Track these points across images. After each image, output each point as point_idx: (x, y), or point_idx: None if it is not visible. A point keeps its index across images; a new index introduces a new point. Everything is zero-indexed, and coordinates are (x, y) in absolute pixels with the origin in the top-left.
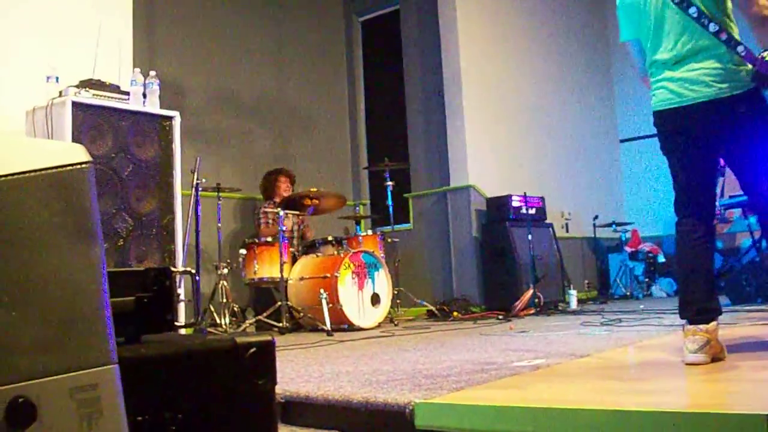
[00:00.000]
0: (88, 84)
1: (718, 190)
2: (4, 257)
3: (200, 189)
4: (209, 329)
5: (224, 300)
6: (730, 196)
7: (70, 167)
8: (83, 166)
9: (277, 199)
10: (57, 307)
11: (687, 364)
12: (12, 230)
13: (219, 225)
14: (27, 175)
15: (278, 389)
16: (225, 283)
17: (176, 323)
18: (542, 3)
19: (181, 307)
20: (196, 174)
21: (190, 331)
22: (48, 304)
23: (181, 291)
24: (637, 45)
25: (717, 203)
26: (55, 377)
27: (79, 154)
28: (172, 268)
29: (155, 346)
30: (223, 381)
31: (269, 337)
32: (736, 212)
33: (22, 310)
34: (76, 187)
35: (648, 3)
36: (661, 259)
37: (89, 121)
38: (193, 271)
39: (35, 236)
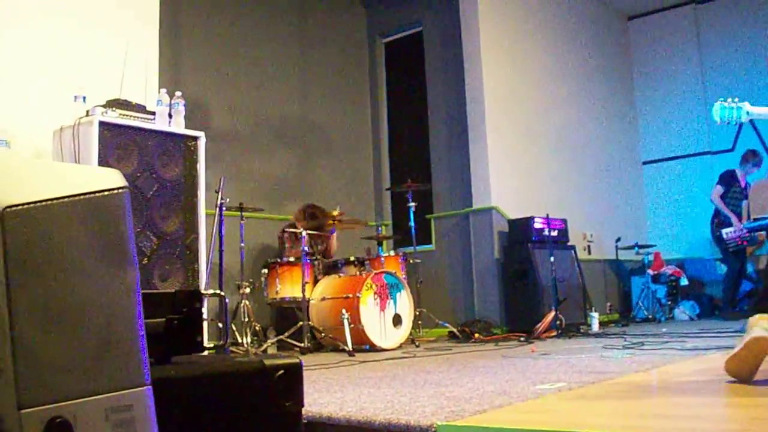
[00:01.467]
0: (114, 104)
1: (744, 213)
2: (45, 280)
3: (224, 209)
4: (231, 348)
5: (246, 319)
6: (755, 219)
7: (108, 192)
8: (120, 191)
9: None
10: (94, 329)
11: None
12: (52, 254)
13: (242, 245)
14: (66, 200)
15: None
16: (247, 303)
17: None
18: (565, 25)
19: (205, 327)
20: (220, 194)
21: (214, 352)
22: (85, 326)
23: (204, 311)
24: None
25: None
26: (91, 398)
27: (115, 179)
28: (202, 291)
29: (185, 367)
30: (252, 402)
31: (297, 360)
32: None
33: (60, 332)
34: (112, 212)
35: None
36: (684, 282)
37: (115, 141)
38: (223, 294)
39: (74, 260)
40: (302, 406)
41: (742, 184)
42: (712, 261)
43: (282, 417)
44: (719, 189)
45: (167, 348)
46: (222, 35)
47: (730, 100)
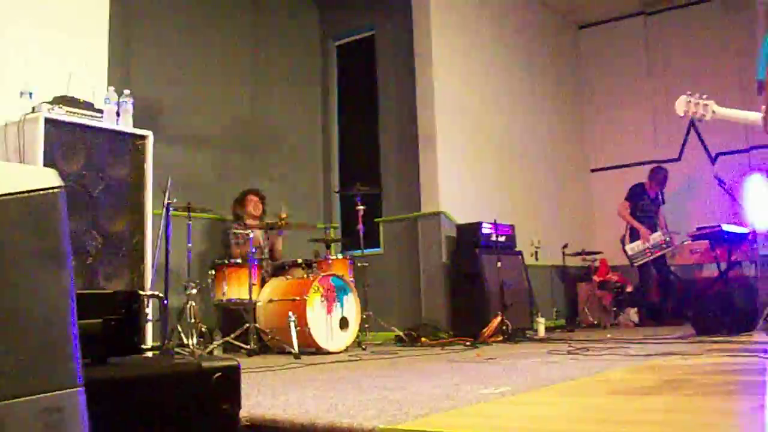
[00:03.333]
0: (62, 101)
1: (660, 222)
2: None
3: (171, 209)
4: (176, 350)
5: (192, 321)
6: (698, 228)
7: (42, 192)
8: (55, 190)
9: (248, 220)
10: (26, 330)
11: None
12: None
13: (189, 245)
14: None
15: (244, 412)
16: (193, 304)
17: (143, 346)
18: (516, 33)
19: (149, 328)
20: (167, 194)
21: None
22: (16, 325)
23: (149, 311)
24: None
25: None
26: (21, 399)
27: (50, 178)
28: (141, 292)
29: (121, 369)
30: (189, 404)
31: (235, 362)
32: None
33: None
34: (47, 212)
35: None
36: (629, 288)
37: (62, 138)
38: (162, 295)
39: (6, 259)
40: (240, 408)
41: (652, 196)
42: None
43: (219, 419)
44: (626, 204)
45: (104, 349)
46: (174, 34)
47: (697, 95)
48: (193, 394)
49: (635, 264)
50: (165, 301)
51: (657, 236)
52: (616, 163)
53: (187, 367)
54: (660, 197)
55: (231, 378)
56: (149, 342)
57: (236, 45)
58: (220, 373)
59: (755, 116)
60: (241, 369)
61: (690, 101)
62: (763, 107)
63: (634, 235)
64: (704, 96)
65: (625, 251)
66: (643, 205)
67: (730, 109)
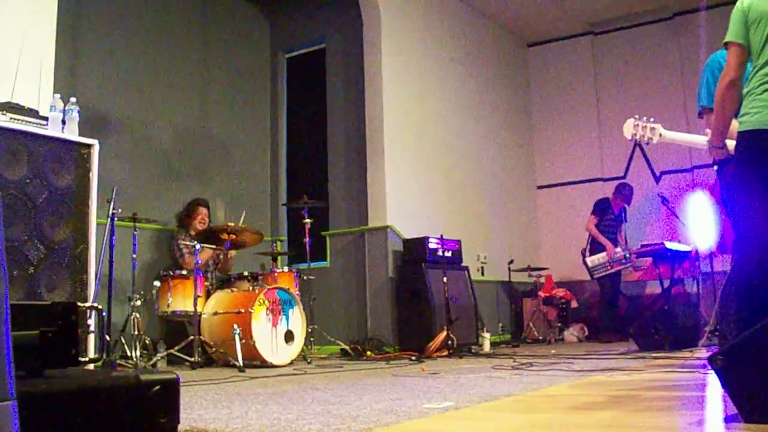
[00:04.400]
0: (5, 107)
1: (622, 236)
2: None
3: (116, 219)
4: (119, 362)
5: (136, 332)
6: (642, 245)
7: None
8: None
9: (193, 231)
10: None
11: None
12: None
13: (134, 256)
14: None
15: (186, 426)
16: (137, 315)
17: (81, 358)
18: (466, 50)
19: (91, 340)
20: (112, 204)
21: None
22: None
23: (91, 323)
24: (742, 50)
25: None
26: None
27: None
28: (79, 303)
29: (57, 381)
30: (126, 418)
31: (174, 375)
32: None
33: None
34: None
35: None
36: (574, 304)
37: (5, 145)
38: (100, 306)
39: None
40: (178, 422)
41: (615, 212)
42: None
43: None
44: (593, 219)
45: (40, 361)
46: (122, 43)
47: (645, 118)
48: (130, 407)
49: (594, 276)
50: (103, 313)
51: (619, 252)
52: (562, 180)
53: (124, 379)
54: (623, 214)
55: (170, 391)
56: (91, 354)
57: (186, 55)
58: (158, 386)
59: (701, 140)
60: (180, 382)
61: (638, 124)
62: (708, 131)
63: (595, 249)
64: (651, 119)
65: (585, 263)
66: (607, 220)
67: (676, 133)
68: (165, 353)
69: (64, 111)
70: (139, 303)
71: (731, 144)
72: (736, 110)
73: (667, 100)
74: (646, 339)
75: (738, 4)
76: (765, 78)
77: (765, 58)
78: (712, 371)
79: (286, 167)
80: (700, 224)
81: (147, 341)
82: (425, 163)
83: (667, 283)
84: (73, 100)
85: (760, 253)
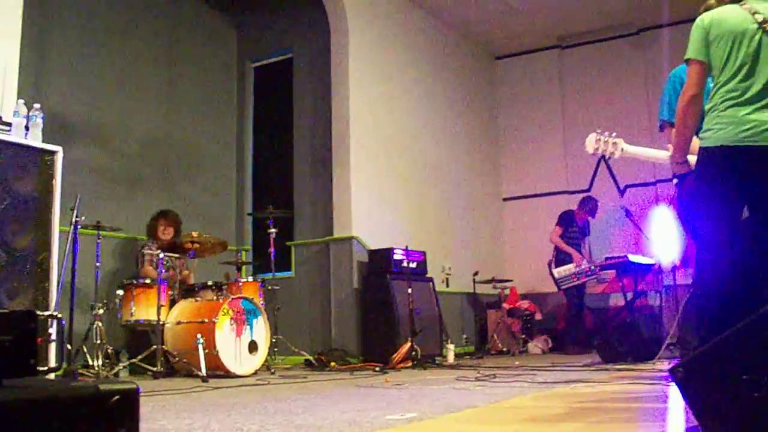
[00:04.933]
0: None
1: (585, 251)
2: None
3: (79, 227)
4: (81, 371)
5: (98, 341)
6: (606, 258)
7: None
8: None
9: (157, 242)
10: None
11: None
12: None
13: (97, 264)
14: None
15: None
16: (100, 324)
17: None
18: (434, 62)
19: (52, 349)
20: (75, 211)
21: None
22: None
23: (52, 331)
24: (703, 67)
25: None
26: None
27: None
28: (38, 311)
29: (13, 391)
30: (84, 428)
31: (134, 385)
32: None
33: None
34: None
35: (746, 33)
36: (538, 316)
37: None
38: (60, 315)
39: None
40: None
41: (580, 224)
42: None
43: None
44: (558, 230)
45: None
46: (88, 50)
47: (607, 133)
48: (89, 417)
49: (561, 287)
50: (63, 322)
51: (584, 263)
52: (527, 192)
53: (83, 389)
54: (587, 227)
55: (130, 401)
56: (52, 363)
57: (152, 63)
58: (118, 396)
59: (663, 154)
60: (140, 392)
61: (600, 139)
62: (669, 146)
63: (561, 260)
64: (614, 134)
65: (552, 274)
66: (572, 232)
67: (638, 147)
68: (127, 363)
69: (27, 117)
70: (101, 312)
71: (692, 159)
72: (697, 126)
73: (632, 114)
74: (610, 351)
75: (698, 21)
76: (727, 95)
77: (726, 75)
78: (674, 383)
79: (252, 177)
80: (664, 238)
81: (109, 350)
82: (391, 174)
83: (630, 296)
84: (36, 106)
85: (719, 267)
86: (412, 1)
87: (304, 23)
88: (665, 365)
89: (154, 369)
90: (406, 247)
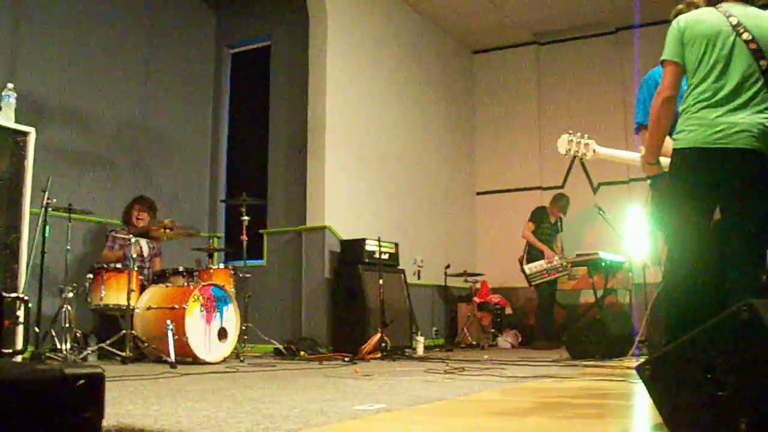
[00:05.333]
0: None
1: (557, 247)
2: None
3: (50, 209)
4: (49, 355)
5: (67, 325)
6: (578, 254)
7: None
8: None
9: (132, 228)
10: None
11: None
12: None
13: (68, 247)
14: None
15: (114, 422)
16: (69, 308)
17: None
18: (411, 54)
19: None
20: (46, 193)
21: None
22: None
23: (20, 314)
24: (678, 69)
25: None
26: None
27: None
28: (5, 294)
29: None
30: (49, 412)
31: (100, 369)
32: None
33: None
34: None
35: (720, 35)
36: (508, 311)
37: None
38: (26, 297)
39: None
40: (102, 417)
41: (552, 221)
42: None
43: (81, 428)
44: (530, 225)
45: None
46: (65, 31)
47: (579, 134)
48: (53, 401)
49: (533, 283)
50: (30, 304)
51: (556, 260)
52: (501, 187)
53: (48, 372)
54: (559, 223)
55: (95, 385)
56: (18, 346)
57: (129, 46)
58: (83, 380)
59: (635, 156)
60: (105, 377)
61: (572, 140)
62: (642, 148)
63: (533, 256)
64: (586, 135)
65: (523, 270)
66: (544, 228)
67: (610, 149)
68: (96, 347)
69: (0, 97)
70: (71, 295)
71: (665, 161)
72: (670, 128)
73: (607, 112)
74: (579, 347)
75: (674, 23)
76: (700, 96)
77: (699, 76)
78: (640, 381)
79: (227, 164)
80: (635, 236)
81: (78, 334)
82: (365, 165)
83: (600, 293)
84: (10, 85)
85: (689, 267)
86: None
87: (283, 10)
88: (633, 363)
89: (123, 354)
90: (379, 238)
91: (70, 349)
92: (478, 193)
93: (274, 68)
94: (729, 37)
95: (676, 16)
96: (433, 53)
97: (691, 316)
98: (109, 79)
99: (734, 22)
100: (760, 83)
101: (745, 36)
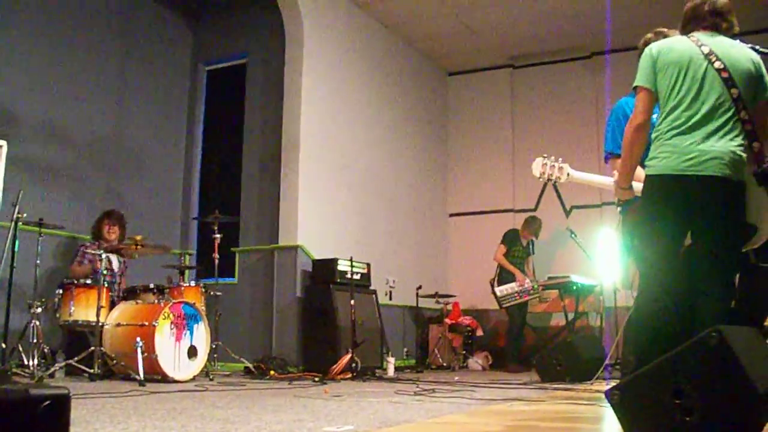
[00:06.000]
0: None
1: (528, 270)
2: None
3: (20, 223)
4: (16, 371)
5: (35, 341)
6: (549, 277)
7: None
8: None
9: (102, 243)
10: None
11: None
12: None
13: (38, 262)
14: None
15: None
16: (37, 323)
17: None
18: (387, 75)
19: None
20: (16, 207)
21: None
22: None
23: None
24: (650, 95)
25: (535, 282)
26: None
27: None
28: None
29: None
30: None
31: (66, 390)
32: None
33: None
34: None
35: (692, 63)
36: (480, 333)
37: None
38: None
39: None
40: None
41: (524, 244)
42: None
43: None
44: (502, 248)
45: None
46: (39, 44)
47: (553, 158)
48: (17, 423)
49: (503, 306)
50: None
51: (527, 282)
52: (474, 209)
53: (13, 394)
54: (531, 246)
55: (60, 407)
56: None
57: (104, 61)
58: (48, 402)
59: (608, 181)
60: (71, 397)
61: (546, 163)
62: (615, 172)
63: (504, 279)
64: (560, 159)
65: (494, 293)
66: (516, 251)
67: (584, 173)
68: (64, 363)
69: None
70: (39, 311)
71: (637, 186)
72: (642, 154)
73: (581, 136)
74: (549, 370)
75: (647, 50)
76: (673, 123)
77: (672, 103)
78: (610, 405)
79: (200, 181)
80: (607, 260)
81: (46, 350)
82: (339, 185)
83: (571, 316)
84: None
85: (659, 292)
86: (368, 13)
87: (260, 29)
88: (603, 386)
89: (91, 371)
90: (351, 258)
91: (38, 365)
92: (450, 215)
93: (249, 86)
94: (701, 65)
95: (645, 44)
96: (409, 74)
97: (660, 340)
98: (84, 93)
99: (706, 51)
100: (731, 111)
101: (717, 65)
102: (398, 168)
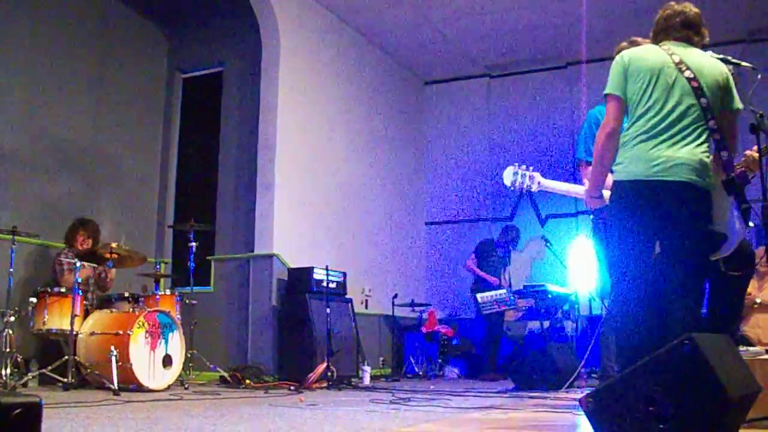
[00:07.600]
0: None
1: (503, 280)
2: None
3: None
4: None
5: (8, 350)
6: (525, 286)
7: None
8: None
9: (74, 251)
10: None
11: None
12: None
13: (11, 270)
14: None
15: None
16: (10, 332)
17: None
18: (364, 85)
19: None
20: None
21: None
22: None
23: None
24: (621, 102)
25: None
26: None
27: None
28: None
29: None
30: None
31: (37, 399)
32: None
33: None
34: None
35: (662, 72)
36: (455, 341)
37: None
38: None
39: None
40: None
41: (500, 253)
42: (482, 322)
43: None
44: (474, 259)
45: None
46: (13, 52)
47: (524, 167)
48: None
49: (482, 313)
50: None
51: (503, 292)
52: (450, 218)
53: None
54: (507, 256)
55: (32, 416)
56: None
57: (79, 68)
58: (19, 410)
59: (579, 189)
60: (43, 406)
61: (517, 172)
62: (586, 181)
63: (481, 287)
64: (531, 168)
65: (475, 298)
66: (491, 260)
67: (555, 182)
68: (37, 372)
69: None
70: (12, 319)
71: (607, 194)
72: (612, 161)
73: (557, 144)
74: (524, 378)
75: (618, 58)
76: (641, 129)
77: (640, 110)
78: (584, 413)
79: (175, 189)
80: (582, 268)
81: (19, 359)
82: (315, 195)
83: (546, 324)
84: None
85: (630, 298)
86: (344, 21)
87: (236, 37)
88: (578, 394)
89: (65, 380)
90: (327, 266)
91: (11, 374)
92: (426, 223)
93: (226, 95)
94: (672, 74)
95: (619, 53)
96: (385, 83)
97: (634, 347)
98: (60, 101)
99: (677, 60)
100: (699, 120)
101: (687, 74)
102: (374, 176)
